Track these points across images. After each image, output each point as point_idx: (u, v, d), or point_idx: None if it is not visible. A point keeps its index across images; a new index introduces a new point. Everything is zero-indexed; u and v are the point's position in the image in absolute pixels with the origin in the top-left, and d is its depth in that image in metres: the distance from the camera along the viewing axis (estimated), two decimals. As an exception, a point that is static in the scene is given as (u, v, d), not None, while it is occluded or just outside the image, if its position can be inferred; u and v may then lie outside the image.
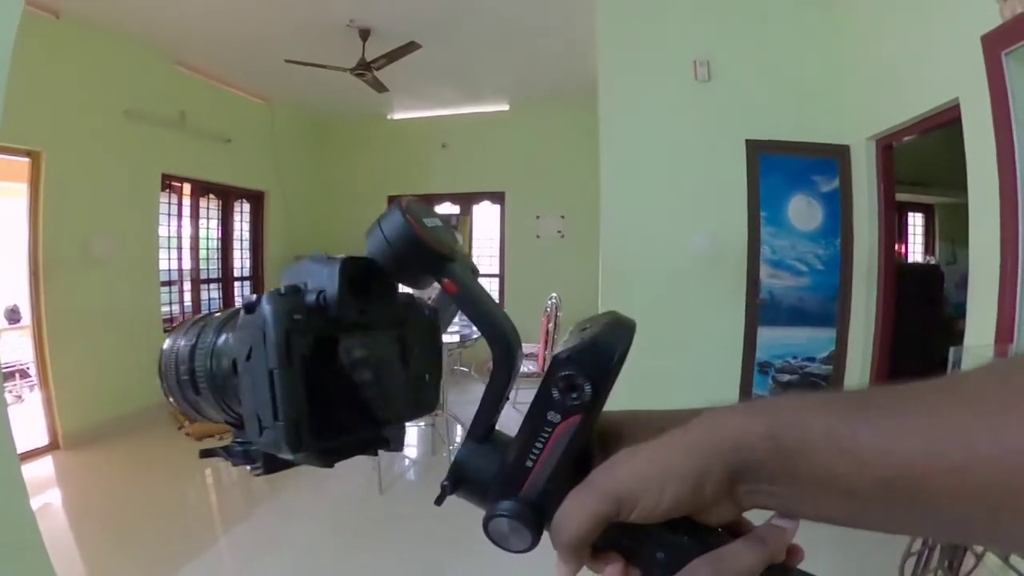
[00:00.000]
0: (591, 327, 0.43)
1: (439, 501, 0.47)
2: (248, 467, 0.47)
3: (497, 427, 0.48)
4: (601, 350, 0.41)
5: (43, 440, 5.00)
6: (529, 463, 0.42)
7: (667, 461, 0.39)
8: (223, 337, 0.47)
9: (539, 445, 0.42)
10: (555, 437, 0.41)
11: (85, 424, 5.21)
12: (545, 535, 0.43)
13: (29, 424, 4.99)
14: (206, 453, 0.51)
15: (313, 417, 0.42)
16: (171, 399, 0.51)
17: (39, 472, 4.58)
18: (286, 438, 0.41)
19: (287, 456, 0.43)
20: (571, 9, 5.07)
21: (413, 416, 0.51)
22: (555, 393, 0.40)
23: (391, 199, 8.80)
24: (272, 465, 0.47)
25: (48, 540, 2.11)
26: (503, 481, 0.43)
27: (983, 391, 0.35)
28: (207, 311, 0.49)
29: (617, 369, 0.41)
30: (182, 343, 0.50)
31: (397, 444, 0.49)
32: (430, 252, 0.43)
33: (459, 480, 0.45)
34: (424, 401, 0.52)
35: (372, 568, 3.30)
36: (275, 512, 4.03)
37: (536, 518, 0.42)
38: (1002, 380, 0.35)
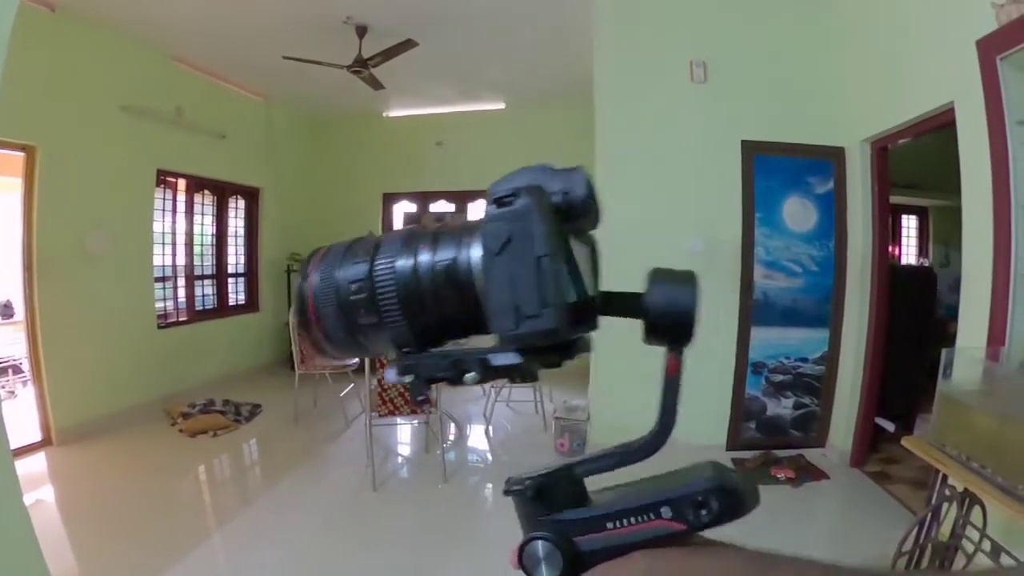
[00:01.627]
0: (735, 474, 0.48)
1: (508, 492, 0.50)
2: (468, 377, 0.47)
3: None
4: (740, 502, 0.46)
5: (36, 436, 4.98)
6: (610, 525, 0.46)
7: None
8: (421, 253, 0.48)
9: (633, 521, 0.46)
10: (651, 526, 0.45)
11: (78, 420, 5.19)
12: None
13: (22, 420, 4.96)
14: (404, 374, 0.49)
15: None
16: (327, 342, 0.51)
17: (32, 468, 4.56)
18: (557, 321, 0.42)
19: (547, 341, 0.43)
20: (568, 9, 5.07)
21: (594, 327, 0.52)
22: (688, 496, 0.45)
23: (386, 197, 8.82)
24: (489, 372, 0.47)
25: (41, 536, 2.11)
26: (577, 523, 0.47)
27: None
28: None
29: (731, 520, 0.45)
30: (345, 272, 0.49)
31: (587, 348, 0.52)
32: (690, 327, 0.47)
33: (540, 493, 0.49)
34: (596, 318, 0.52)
35: (365, 564, 3.30)
36: (268, 508, 4.03)
37: (573, 564, 0.47)
38: None
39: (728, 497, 0.45)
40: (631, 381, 4.97)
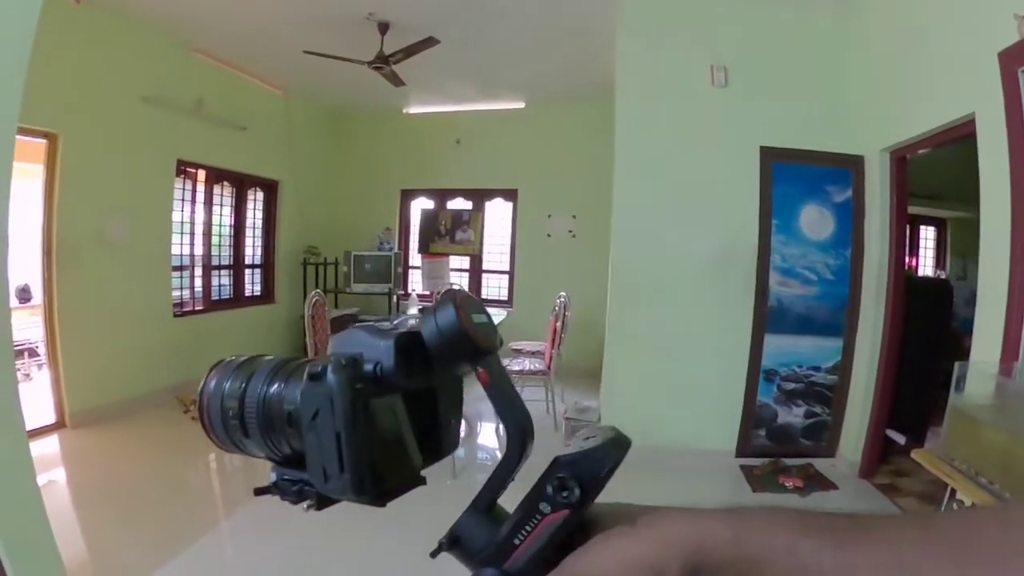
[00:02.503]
0: (593, 438, 0.49)
1: (434, 555, 0.53)
2: (303, 504, 0.55)
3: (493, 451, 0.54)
4: (594, 462, 0.46)
5: (50, 418, 5.05)
6: (517, 541, 0.47)
7: (632, 551, 0.42)
8: (275, 386, 0.53)
9: (528, 529, 0.47)
10: (542, 525, 0.46)
11: (92, 404, 5.25)
12: None
13: (36, 402, 5.02)
14: (260, 491, 0.58)
15: (373, 468, 0.48)
16: (213, 436, 0.57)
17: (45, 450, 4.62)
18: (352, 487, 0.48)
19: (350, 499, 0.50)
20: (590, 10, 5.06)
21: (443, 455, 0.59)
22: (549, 489, 0.45)
23: (404, 193, 8.83)
24: (324, 502, 0.53)
25: (52, 516, 2.14)
26: (493, 551, 0.48)
27: (964, 539, 0.37)
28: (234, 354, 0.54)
29: (605, 480, 0.46)
30: (228, 386, 0.55)
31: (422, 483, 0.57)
32: (473, 346, 0.48)
33: (455, 542, 0.51)
34: (450, 441, 0.59)
35: (371, 558, 3.32)
36: (276, 498, 4.04)
37: None
38: (978, 533, 0.37)
39: (580, 467, 0.46)
40: (642, 382, 4.99)
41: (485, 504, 0.51)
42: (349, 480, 0.47)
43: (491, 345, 0.50)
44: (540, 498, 0.46)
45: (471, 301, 0.51)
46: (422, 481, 0.56)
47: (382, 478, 0.50)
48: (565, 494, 0.45)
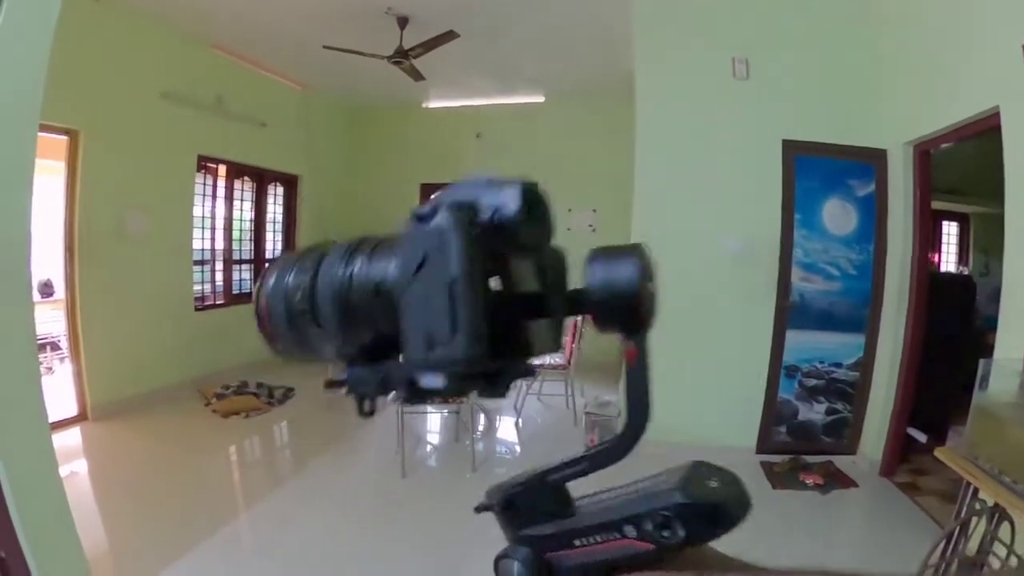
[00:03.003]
0: (718, 481, 0.44)
1: (479, 510, 0.49)
2: (386, 396, 0.46)
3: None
4: (711, 519, 0.42)
5: (72, 411, 5.11)
6: (578, 543, 0.44)
7: None
8: (356, 265, 0.46)
9: (597, 539, 0.44)
10: (615, 544, 0.43)
11: (114, 397, 5.31)
12: None
13: (59, 395, 5.08)
14: (333, 384, 0.50)
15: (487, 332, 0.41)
16: (277, 343, 0.51)
17: (67, 442, 4.67)
18: (466, 349, 0.39)
19: (458, 372, 0.41)
20: (609, 3, 5.04)
21: (552, 350, 0.51)
22: (649, 522, 0.42)
23: (424, 187, 8.84)
24: (415, 394, 0.44)
25: (73, 507, 2.16)
26: (548, 538, 0.46)
27: None
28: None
29: (710, 539, 0.42)
30: (292, 279, 0.49)
31: (532, 375, 0.49)
32: (636, 317, 0.43)
33: (510, 505, 0.48)
34: (558, 339, 0.51)
35: (391, 550, 3.33)
36: (297, 491, 4.08)
37: None
38: None
39: (696, 516, 0.41)
40: (662, 377, 4.95)
41: (555, 481, 0.47)
42: (463, 342, 0.39)
43: (651, 320, 0.44)
44: (630, 520, 0.42)
45: (653, 266, 0.44)
46: (532, 372, 0.49)
47: (494, 352, 0.41)
48: (666, 534, 0.41)
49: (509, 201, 0.42)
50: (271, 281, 0.50)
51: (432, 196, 0.43)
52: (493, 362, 0.41)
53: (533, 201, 0.43)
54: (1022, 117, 2.93)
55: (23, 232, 1.89)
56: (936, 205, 4.70)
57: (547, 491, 0.47)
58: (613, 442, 0.45)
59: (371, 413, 0.47)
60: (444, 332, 0.39)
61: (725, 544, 0.44)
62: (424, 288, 0.40)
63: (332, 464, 4.54)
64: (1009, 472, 2.18)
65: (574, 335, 5.61)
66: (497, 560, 0.47)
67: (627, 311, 0.42)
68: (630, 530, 0.42)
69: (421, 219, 0.41)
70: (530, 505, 0.47)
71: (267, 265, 0.53)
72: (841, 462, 4.61)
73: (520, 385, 6.00)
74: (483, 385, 0.45)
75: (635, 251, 0.43)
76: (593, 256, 0.43)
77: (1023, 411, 2.42)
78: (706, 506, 0.41)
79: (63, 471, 2.90)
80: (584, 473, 0.47)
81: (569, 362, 5.58)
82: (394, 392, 0.45)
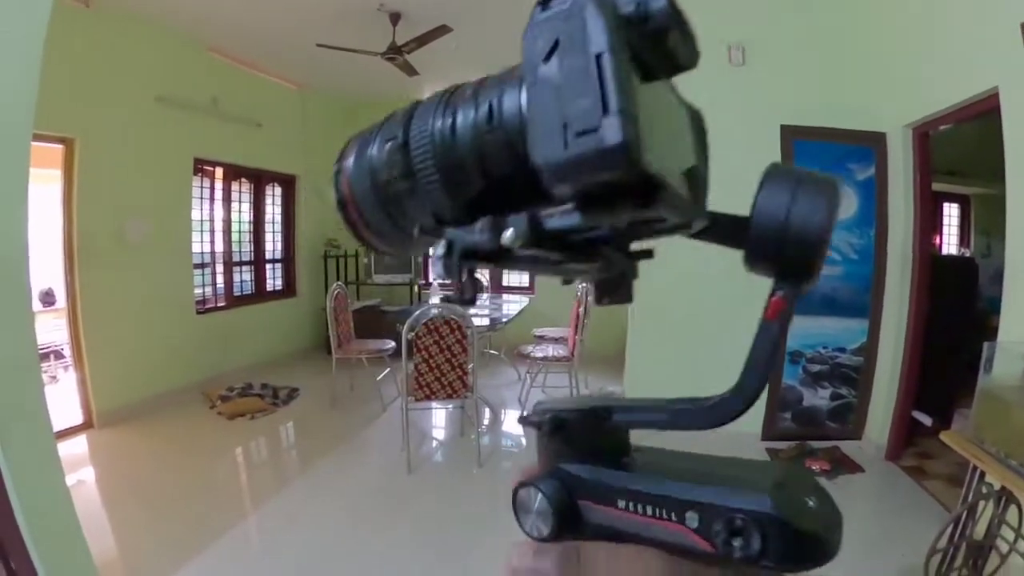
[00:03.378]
0: (816, 500, 0.37)
1: (522, 421, 0.43)
2: (504, 236, 0.34)
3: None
4: (810, 553, 0.34)
5: (77, 419, 5.11)
6: (622, 505, 0.38)
7: None
8: (459, 111, 0.37)
9: (651, 512, 0.38)
10: (670, 528, 0.37)
11: (118, 403, 5.31)
12: None
13: (64, 403, 5.08)
14: (425, 230, 0.39)
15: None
16: (367, 231, 0.44)
17: (73, 450, 4.68)
18: (622, 132, 0.27)
19: (600, 180, 0.29)
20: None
21: (700, 210, 0.40)
22: (724, 511, 0.35)
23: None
24: (538, 235, 0.33)
25: (81, 515, 2.17)
26: (589, 484, 0.40)
27: None
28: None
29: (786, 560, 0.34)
30: (375, 150, 0.43)
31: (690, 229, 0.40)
32: (805, 263, 0.35)
33: (560, 427, 0.41)
34: (703, 198, 0.41)
35: (398, 547, 3.33)
36: (304, 490, 4.09)
37: (568, 528, 0.40)
38: None
39: (782, 537, 0.33)
40: (665, 366, 4.97)
41: (619, 424, 0.41)
42: (617, 123, 0.27)
43: (816, 275, 0.35)
44: (697, 507, 0.36)
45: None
46: (687, 227, 0.39)
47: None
48: (736, 542, 0.34)
49: None
50: (350, 160, 0.45)
51: None
52: (654, 167, 0.28)
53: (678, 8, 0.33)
54: (1022, 97, 2.92)
55: (21, 242, 1.88)
56: (936, 187, 4.69)
57: (606, 431, 0.41)
58: (707, 403, 0.39)
59: (472, 300, 0.37)
60: (590, 116, 0.28)
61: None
62: (557, 75, 0.30)
63: (338, 463, 4.55)
64: (1015, 455, 2.18)
65: (577, 326, 5.60)
66: (519, 487, 0.41)
67: (800, 254, 0.35)
68: (692, 519, 0.36)
69: (545, 5, 0.32)
70: (582, 439, 0.41)
71: (339, 156, 0.46)
72: (847, 447, 4.61)
73: (524, 377, 6.01)
74: (617, 255, 0.38)
75: (834, 185, 0.35)
76: (775, 175, 0.36)
77: (1029, 393, 2.41)
78: (799, 531, 0.34)
79: (70, 479, 2.91)
80: (658, 427, 0.40)
81: (573, 354, 5.57)
82: (510, 231, 0.33)
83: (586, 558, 0.41)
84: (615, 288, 0.42)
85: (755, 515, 0.34)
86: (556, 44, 0.30)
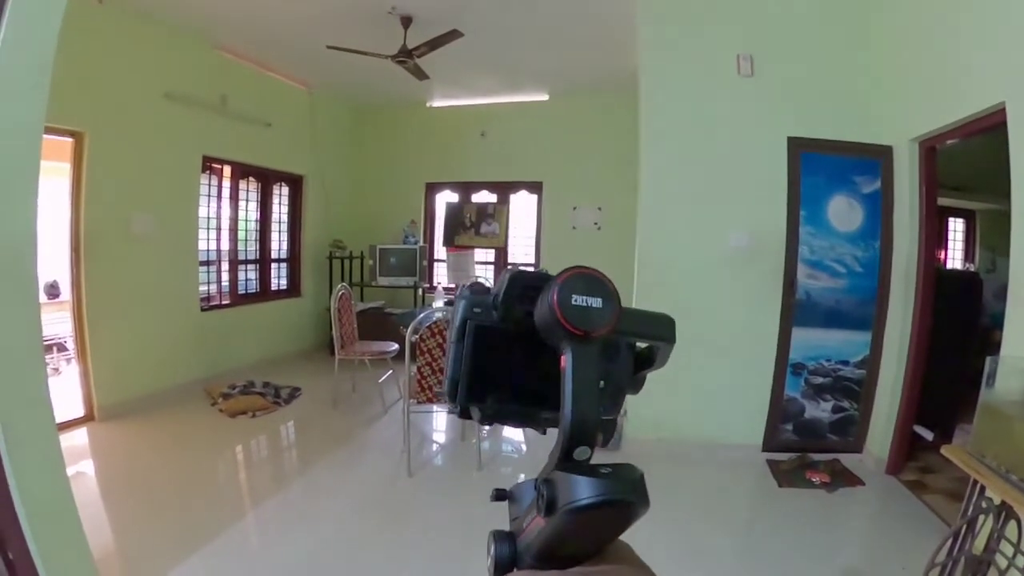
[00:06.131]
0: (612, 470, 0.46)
1: (494, 498, 0.56)
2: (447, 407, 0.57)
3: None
4: (553, 497, 0.45)
5: (79, 412, 5.12)
6: (525, 525, 0.49)
7: None
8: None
9: (530, 518, 0.48)
10: (537, 523, 0.47)
11: (120, 398, 5.33)
12: None
13: (65, 396, 5.10)
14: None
15: (471, 381, 0.52)
16: None
17: (74, 442, 4.69)
18: (447, 391, 0.53)
19: (447, 403, 0.54)
20: (613, 0, 5.03)
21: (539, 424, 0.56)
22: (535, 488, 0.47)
23: (428, 186, 8.84)
24: (462, 412, 0.54)
25: (80, 507, 2.17)
26: (515, 520, 0.52)
27: None
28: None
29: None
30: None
31: (546, 429, 0.56)
32: (563, 330, 0.45)
33: (504, 496, 0.55)
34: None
35: (397, 549, 3.33)
36: (304, 490, 4.09)
37: (511, 562, 0.50)
38: None
39: (550, 487, 0.44)
40: (668, 375, 4.95)
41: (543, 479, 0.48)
42: (446, 384, 0.52)
43: (584, 331, 0.45)
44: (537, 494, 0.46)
45: (584, 281, 0.46)
46: (536, 424, 0.56)
47: (480, 395, 0.53)
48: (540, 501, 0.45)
49: (500, 287, 0.52)
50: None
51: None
52: (474, 402, 0.53)
53: (527, 286, 0.51)
54: (1028, 113, 2.92)
55: (29, 234, 1.89)
56: (942, 202, 4.68)
57: (529, 488, 0.52)
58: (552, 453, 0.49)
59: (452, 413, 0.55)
60: (447, 375, 0.53)
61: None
62: (449, 342, 0.54)
63: (339, 464, 4.55)
64: (1016, 470, 2.17)
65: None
66: (493, 531, 0.53)
67: (554, 325, 0.46)
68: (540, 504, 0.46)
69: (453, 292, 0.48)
70: (520, 497, 0.54)
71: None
72: (847, 460, 4.60)
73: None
74: (479, 415, 0.54)
75: (561, 275, 0.47)
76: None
77: (1030, 409, 2.41)
78: (559, 483, 0.45)
79: (70, 471, 2.91)
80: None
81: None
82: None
83: None
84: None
85: (542, 478, 0.46)
86: (448, 321, 0.52)
